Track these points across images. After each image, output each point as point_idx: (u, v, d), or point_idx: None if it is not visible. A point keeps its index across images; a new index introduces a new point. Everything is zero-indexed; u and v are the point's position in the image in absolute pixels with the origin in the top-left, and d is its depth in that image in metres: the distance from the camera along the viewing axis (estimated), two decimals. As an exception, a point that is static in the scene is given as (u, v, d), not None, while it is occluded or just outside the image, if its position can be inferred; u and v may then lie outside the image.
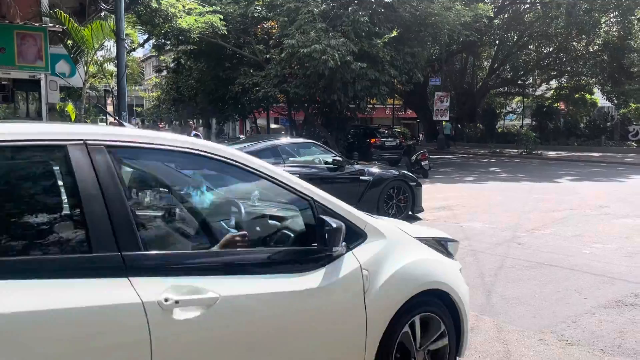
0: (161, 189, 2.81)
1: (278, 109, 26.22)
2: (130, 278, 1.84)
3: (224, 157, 2.28)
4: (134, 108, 62.11)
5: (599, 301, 4.93)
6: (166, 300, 1.86)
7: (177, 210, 2.68)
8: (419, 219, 9.23)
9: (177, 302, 1.88)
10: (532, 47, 36.06)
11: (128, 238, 1.91)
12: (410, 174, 9.54)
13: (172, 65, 27.72)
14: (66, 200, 2.00)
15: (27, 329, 1.61)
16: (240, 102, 20.94)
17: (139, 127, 12.89)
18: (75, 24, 10.62)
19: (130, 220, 1.97)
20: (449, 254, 3.21)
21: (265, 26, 19.67)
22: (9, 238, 1.90)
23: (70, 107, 11.46)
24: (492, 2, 29.54)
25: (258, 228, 2.76)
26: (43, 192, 2.09)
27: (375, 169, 8.80)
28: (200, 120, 27.84)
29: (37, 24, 9.66)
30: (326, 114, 19.75)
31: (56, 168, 2.02)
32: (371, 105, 20.50)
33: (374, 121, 51.57)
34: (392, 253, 2.68)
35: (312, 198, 2.48)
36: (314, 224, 2.41)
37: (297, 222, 2.64)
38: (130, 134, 2.18)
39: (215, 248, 2.34)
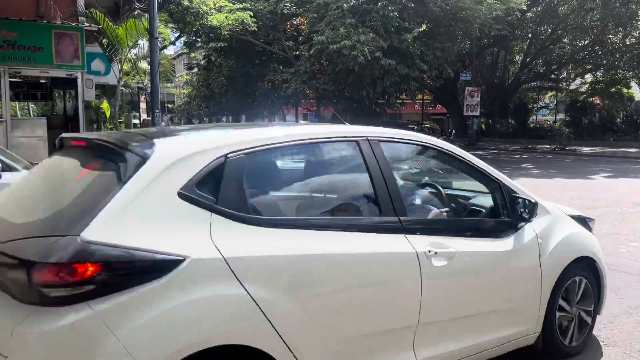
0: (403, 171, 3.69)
1: (307, 105, 26.28)
2: (406, 235, 2.61)
3: (440, 147, 3.06)
4: (165, 105, 62.99)
5: (636, 301, 4.83)
6: (429, 251, 2.62)
7: (412, 186, 3.55)
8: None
9: (435, 253, 2.64)
10: (566, 40, 35.23)
11: (400, 207, 2.65)
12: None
13: (202, 62, 28.06)
14: (363, 178, 2.68)
15: (352, 264, 2.42)
16: (269, 99, 21.08)
17: (167, 125, 13.03)
18: (110, 23, 10.86)
19: (400, 193, 2.71)
20: (590, 229, 3.87)
21: (295, 22, 19.72)
22: (337, 204, 2.79)
23: (105, 105, 11.71)
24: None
25: (453, 204, 3.51)
26: (348, 171, 2.88)
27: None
28: (230, 117, 28.11)
29: (73, 24, 9.90)
30: (355, 110, 19.72)
31: (353, 155, 2.72)
32: (400, 101, 20.36)
33: (402, 117, 51.23)
34: (556, 226, 3.40)
35: (501, 181, 3.17)
36: (500, 201, 3.16)
37: (482, 199, 3.39)
38: (388, 131, 2.94)
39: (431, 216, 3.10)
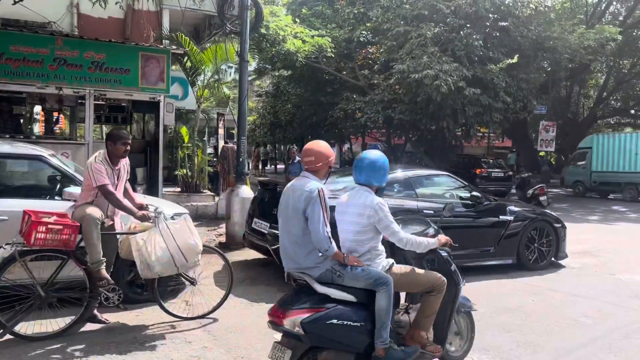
0: None
1: (374, 134, 25.54)
2: None
3: None
4: (231, 131, 64.53)
5: None
6: None
7: None
8: (562, 266, 8.06)
9: None
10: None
11: None
12: (553, 213, 8.39)
13: (270, 88, 27.99)
14: None
15: None
16: (337, 128, 20.48)
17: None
18: (194, 47, 10.55)
19: None
20: None
21: (369, 51, 19.17)
22: None
23: (184, 130, 11.39)
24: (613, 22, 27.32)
25: None
26: None
27: (515, 207, 7.78)
28: (295, 146, 27.82)
29: (161, 46, 9.62)
30: (428, 142, 18.79)
31: None
32: (481, 133, 19.27)
33: (464, 151, 49.62)
34: None
35: None
36: None
37: None
38: None
39: None
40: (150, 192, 10.59)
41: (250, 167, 29.76)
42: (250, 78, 40.46)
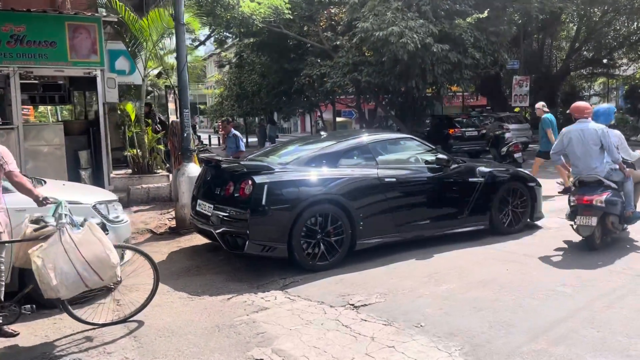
0: None
1: (345, 100, 24.71)
2: None
3: None
4: (197, 106, 62.65)
5: None
6: None
7: None
8: (539, 227, 7.52)
9: None
10: (618, 23, 32.63)
11: None
12: (527, 172, 7.81)
13: (234, 59, 26.84)
14: None
15: None
16: (305, 95, 19.59)
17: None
18: (132, 14, 9.57)
19: None
20: None
21: (332, 11, 18.18)
22: None
23: (129, 106, 10.47)
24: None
25: None
26: None
27: (486, 168, 7.16)
28: (230, 118, 27.01)
29: (89, 14, 8.64)
30: (400, 104, 18.08)
31: None
32: (452, 93, 18.60)
33: (443, 110, 49.14)
34: None
35: None
36: None
37: None
38: None
39: None
40: (97, 177, 9.77)
41: (221, 143, 28.76)
42: (213, 52, 38.99)
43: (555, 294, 4.79)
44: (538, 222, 7.63)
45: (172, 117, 11.07)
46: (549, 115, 10.92)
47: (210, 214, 5.85)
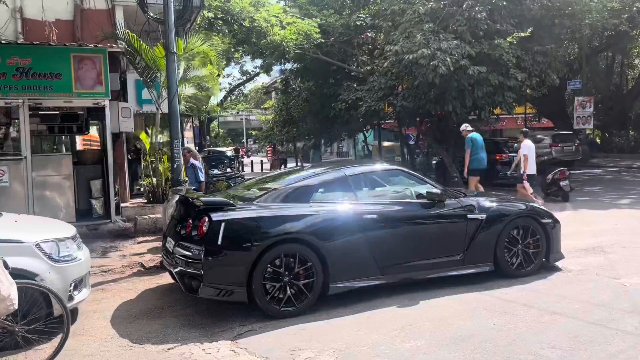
0: None
1: (392, 124, 24.10)
2: None
3: None
4: (250, 131, 64.23)
5: None
6: None
7: None
8: (558, 269, 6.64)
9: None
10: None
11: None
12: (543, 208, 6.96)
13: (281, 86, 27.01)
14: None
15: None
16: (343, 120, 19.22)
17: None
18: (144, 44, 9.61)
19: None
20: None
21: (369, 35, 17.80)
22: None
23: (143, 135, 10.50)
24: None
25: None
26: None
27: (490, 202, 6.41)
28: (190, 147, 26.90)
29: (90, 45, 8.70)
30: (441, 128, 17.25)
31: None
32: (495, 116, 17.57)
33: (504, 133, 47.21)
34: None
35: None
36: None
37: None
38: None
39: None
40: (108, 206, 9.76)
41: (271, 168, 28.92)
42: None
43: (536, 360, 4.02)
44: (558, 263, 6.76)
45: (190, 146, 10.99)
46: (473, 135, 11.76)
47: (171, 250, 5.51)
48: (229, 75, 48.76)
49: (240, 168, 29.35)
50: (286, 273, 5.23)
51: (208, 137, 48.80)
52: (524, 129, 12.62)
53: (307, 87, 23.10)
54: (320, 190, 5.76)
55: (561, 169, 13.71)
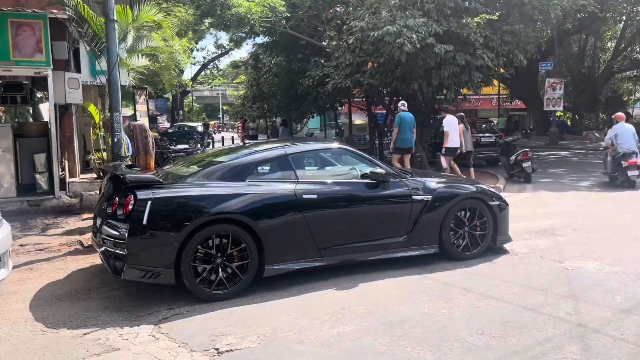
0: None
1: (362, 102, 23.84)
2: None
3: None
4: (221, 107, 63.29)
5: None
6: None
7: None
8: (505, 251, 6.55)
9: None
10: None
11: None
12: (493, 189, 6.82)
13: (251, 60, 26.44)
14: None
15: None
16: (313, 97, 18.85)
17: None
18: (91, 12, 9.10)
19: None
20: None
21: (338, 10, 17.36)
22: None
23: (92, 108, 10.04)
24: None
25: None
26: None
27: (436, 184, 6.24)
28: (274, 119, 26.51)
29: (31, 11, 8.18)
30: (410, 108, 17.01)
31: None
32: (462, 96, 17.40)
33: (478, 114, 47.40)
34: None
35: None
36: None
37: None
38: None
39: None
40: (53, 181, 9.37)
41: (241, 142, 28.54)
42: (228, 49, 38.85)
43: (462, 347, 3.89)
44: (506, 246, 6.67)
45: (142, 121, 10.60)
46: (403, 114, 12.35)
47: (99, 231, 5.23)
48: (202, 49, 47.65)
49: (210, 144, 28.88)
50: (218, 255, 5.01)
51: (181, 112, 47.91)
52: (444, 105, 13.84)
53: (277, 62, 22.64)
54: (258, 168, 5.50)
55: (524, 150, 13.71)
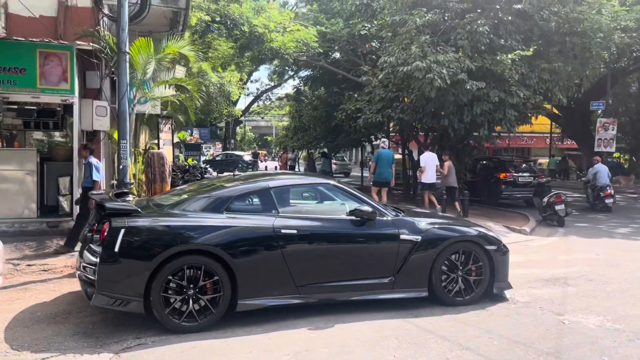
0: None
1: (397, 137, 23.67)
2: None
3: None
4: (265, 137, 64.45)
5: None
6: None
7: None
8: (504, 299, 6.20)
9: None
10: None
11: None
12: (493, 234, 6.50)
13: (293, 93, 26.91)
14: None
15: None
16: (347, 130, 18.89)
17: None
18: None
19: None
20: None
21: (374, 45, 17.45)
22: None
23: (116, 133, 10.41)
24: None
25: None
26: None
27: (427, 224, 6.01)
28: (312, 150, 26.80)
29: (55, 42, 8.68)
30: (442, 143, 16.76)
31: None
32: (496, 133, 16.95)
33: (531, 152, 46.05)
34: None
35: None
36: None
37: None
38: None
39: None
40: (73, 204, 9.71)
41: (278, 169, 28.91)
42: (280, 82, 39.71)
43: (411, 402, 3.66)
44: (507, 293, 6.32)
45: (164, 150, 10.89)
46: (382, 151, 13.25)
47: (80, 256, 5.34)
48: (256, 81, 48.99)
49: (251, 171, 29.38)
50: (190, 286, 4.99)
51: (233, 140, 49.09)
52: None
53: (317, 95, 22.94)
54: (237, 201, 5.49)
55: (557, 192, 13.11)
